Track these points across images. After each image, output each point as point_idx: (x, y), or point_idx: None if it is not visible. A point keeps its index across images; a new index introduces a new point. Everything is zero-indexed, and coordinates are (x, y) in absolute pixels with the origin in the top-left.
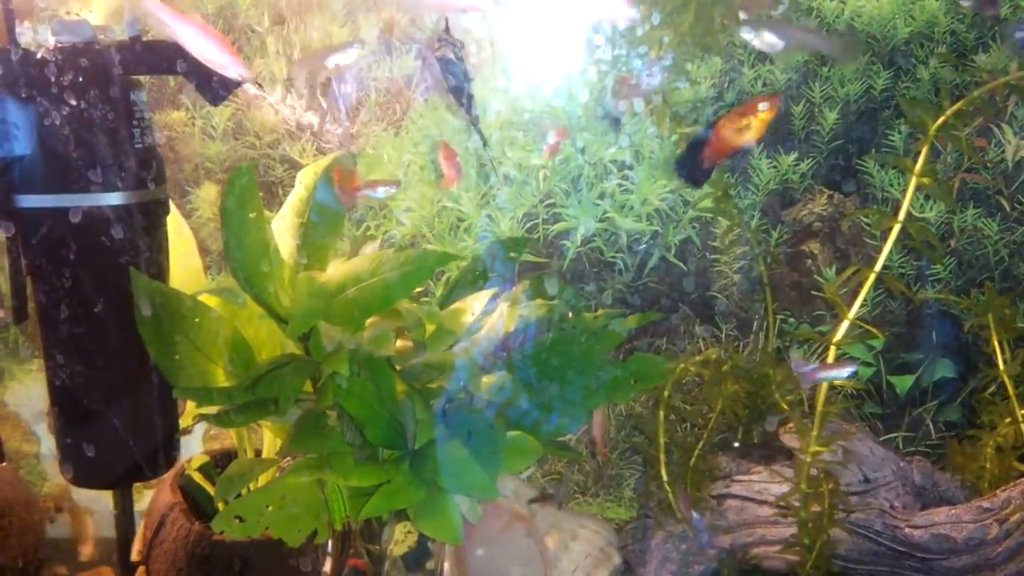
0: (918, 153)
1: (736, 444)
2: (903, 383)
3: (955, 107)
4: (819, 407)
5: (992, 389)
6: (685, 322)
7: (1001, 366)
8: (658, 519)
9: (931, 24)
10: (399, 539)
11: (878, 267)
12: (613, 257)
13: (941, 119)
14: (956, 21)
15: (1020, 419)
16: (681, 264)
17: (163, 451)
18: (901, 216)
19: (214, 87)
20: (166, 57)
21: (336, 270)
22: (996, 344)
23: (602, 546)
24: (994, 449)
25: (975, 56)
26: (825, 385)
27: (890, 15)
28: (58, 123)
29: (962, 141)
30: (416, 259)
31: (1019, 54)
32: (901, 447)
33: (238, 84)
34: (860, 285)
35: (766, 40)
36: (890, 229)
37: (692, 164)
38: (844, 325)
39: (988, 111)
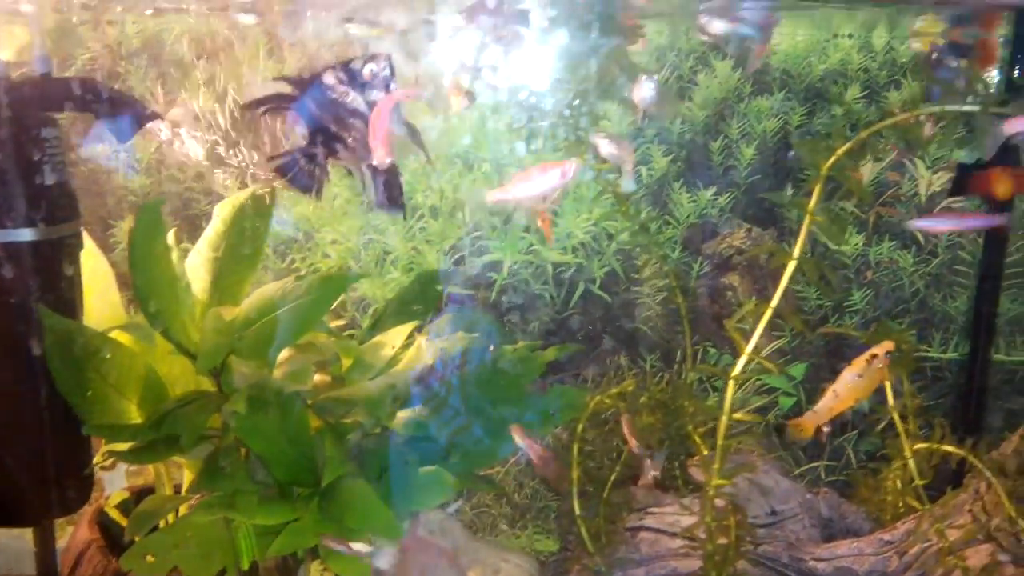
0: (811, 192)
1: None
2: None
3: (844, 147)
4: (720, 440)
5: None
6: (611, 353)
7: (890, 401)
8: (575, 553)
9: (845, 62)
10: None
11: (774, 303)
12: (540, 289)
13: (832, 159)
14: (869, 59)
15: (909, 456)
16: (605, 296)
17: (74, 488)
18: (796, 253)
19: (122, 124)
20: (77, 94)
21: (245, 304)
22: (887, 380)
23: None
24: (894, 482)
25: (887, 93)
26: (725, 418)
27: (805, 53)
28: None
29: (852, 179)
30: (318, 286)
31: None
32: (823, 476)
33: (146, 122)
34: (781, 317)
35: None
36: (784, 265)
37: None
38: (742, 360)
39: (875, 151)
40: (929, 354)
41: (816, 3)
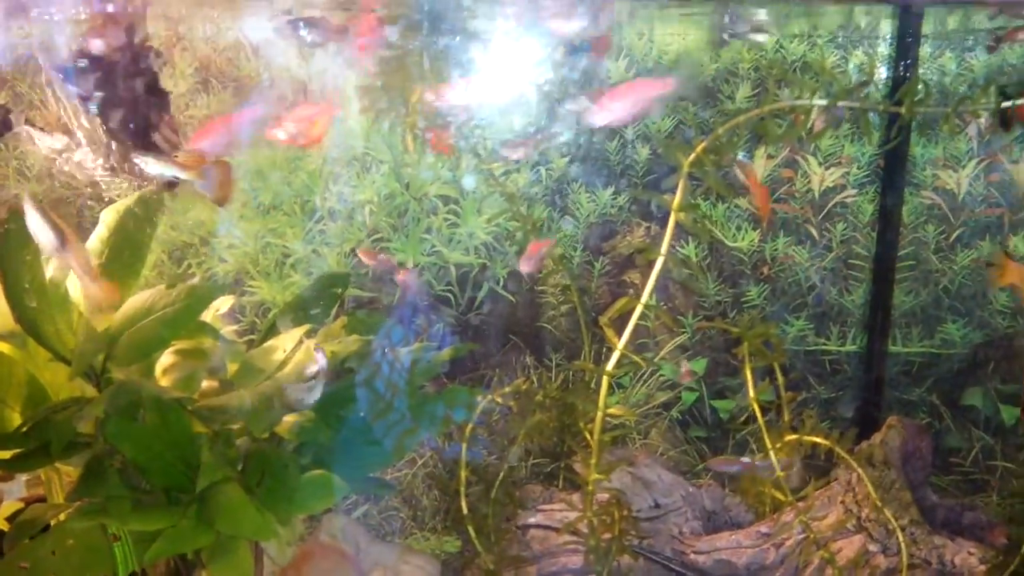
0: (675, 188)
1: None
2: (725, 407)
3: (701, 145)
4: (596, 435)
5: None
6: (516, 353)
7: (751, 393)
8: (471, 552)
9: (735, 61)
10: None
11: (644, 298)
12: (443, 291)
13: (692, 155)
14: (759, 57)
15: (770, 449)
16: (509, 296)
17: None
18: (664, 249)
19: None
20: None
21: (119, 311)
22: (748, 373)
23: None
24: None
25: (778, 91)
26: (600, 415)
27: (696, 53)
28: None
29: (711, 175)
30: (186, 295)
31: None
32: None
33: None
34: (679, 313)
35: None
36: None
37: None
38: (615, 356)
39: (731, 149)
40: (828, 347)
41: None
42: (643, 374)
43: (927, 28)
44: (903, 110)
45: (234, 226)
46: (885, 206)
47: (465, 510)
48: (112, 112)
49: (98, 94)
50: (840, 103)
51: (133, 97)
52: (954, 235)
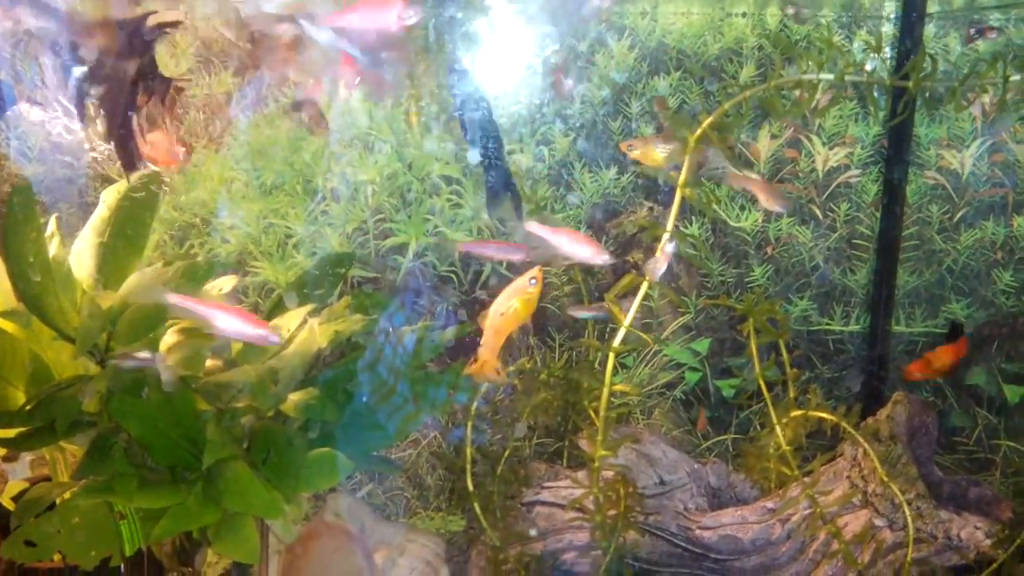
0: (681, 165)
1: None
2: (728, 386)
3: (708, 120)
4: (602, 412)
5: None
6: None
7: (757, 369)
8: (477, 530)
9: (739, 40)
10: (212, 561)
11: (649, 275)
12: (446, 271)
13: (699, 131)
14: (763, 37)
15: (776, 423)
16: (512, 276)
17: None
18: (669, 227)
19: None
20: None
21: (122, 290)
22: (754, 348)
23: (429, 559)
24: (775, 449)
25: (782, 71)
26: (606, 391)
27: (700, 32)
28: None
29: (720, 149)
30: (184, 272)
31: None
32: (731, 448)
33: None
34: (683, 293)
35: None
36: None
37: None
38: (620, 332)
39: (738, 123)
40: (831, 327)
41: None
42: (646, 354)
43: (932, 7)
44: (910, 84)
45: (236, 207)
46: (889, 186)
47: (471, 487)
48: (97, 88)
49: (83, 69)
50: (847, 78)
51: (123, 76)
52: (958, 215)
